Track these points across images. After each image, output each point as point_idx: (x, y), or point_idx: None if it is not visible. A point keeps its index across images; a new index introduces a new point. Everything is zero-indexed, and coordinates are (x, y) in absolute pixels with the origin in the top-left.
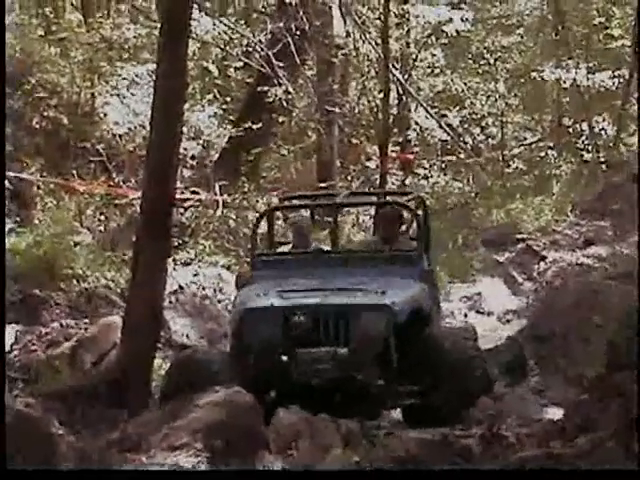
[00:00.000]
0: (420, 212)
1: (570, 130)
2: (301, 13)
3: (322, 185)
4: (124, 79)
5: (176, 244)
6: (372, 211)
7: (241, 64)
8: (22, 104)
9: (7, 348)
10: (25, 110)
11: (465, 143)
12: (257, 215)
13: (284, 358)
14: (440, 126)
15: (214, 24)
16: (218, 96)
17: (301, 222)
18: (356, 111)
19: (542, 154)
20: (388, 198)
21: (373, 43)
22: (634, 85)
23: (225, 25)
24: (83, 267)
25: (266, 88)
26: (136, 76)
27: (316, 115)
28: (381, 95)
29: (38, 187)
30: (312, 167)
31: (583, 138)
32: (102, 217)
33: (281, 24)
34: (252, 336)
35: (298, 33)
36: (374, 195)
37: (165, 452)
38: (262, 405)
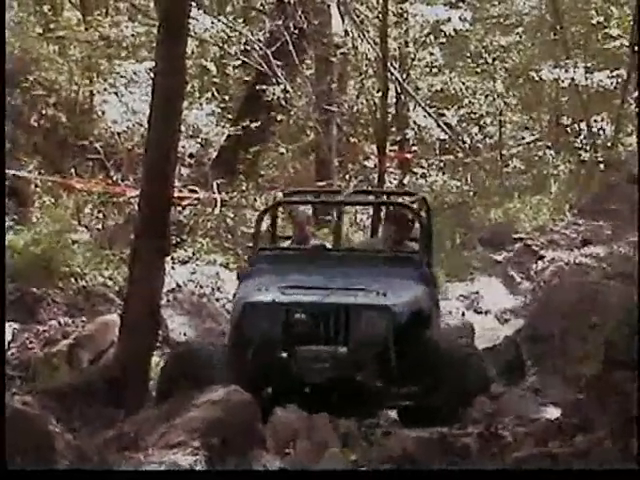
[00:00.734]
0: (423, 214)
1: (568, 130)
2: (299, 12)
3: (320, 184)
4: (122, 77)
5: (174, 242)
6: (370, 211)
7: (239, 62)
8: (20, 102)
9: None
10: (23, 108)
11: (463, 142)
12: (262, 209)
13: (283, 354)
14: (438, 125)
15: (212, 22)
16: (216, 94)
17: (302, 216)
18: (354, 110)
19: (540, 153)
20: (392, 198)
21: (371, 42)
22: (632, 85)
23: (223, 23)
24: (81, 265)
25: (264, 87)
26: (134, 74)
27: (314, 114)
28: (379, 94)
29: (36, 185)
30: (310, 166)
31: (581, 138)
32: (100, 215)
33: (279, 23)
34: (253, 330)
35: (296, 32)
36: (378, 194)
37: (163, 450)
38: (259, 403)
